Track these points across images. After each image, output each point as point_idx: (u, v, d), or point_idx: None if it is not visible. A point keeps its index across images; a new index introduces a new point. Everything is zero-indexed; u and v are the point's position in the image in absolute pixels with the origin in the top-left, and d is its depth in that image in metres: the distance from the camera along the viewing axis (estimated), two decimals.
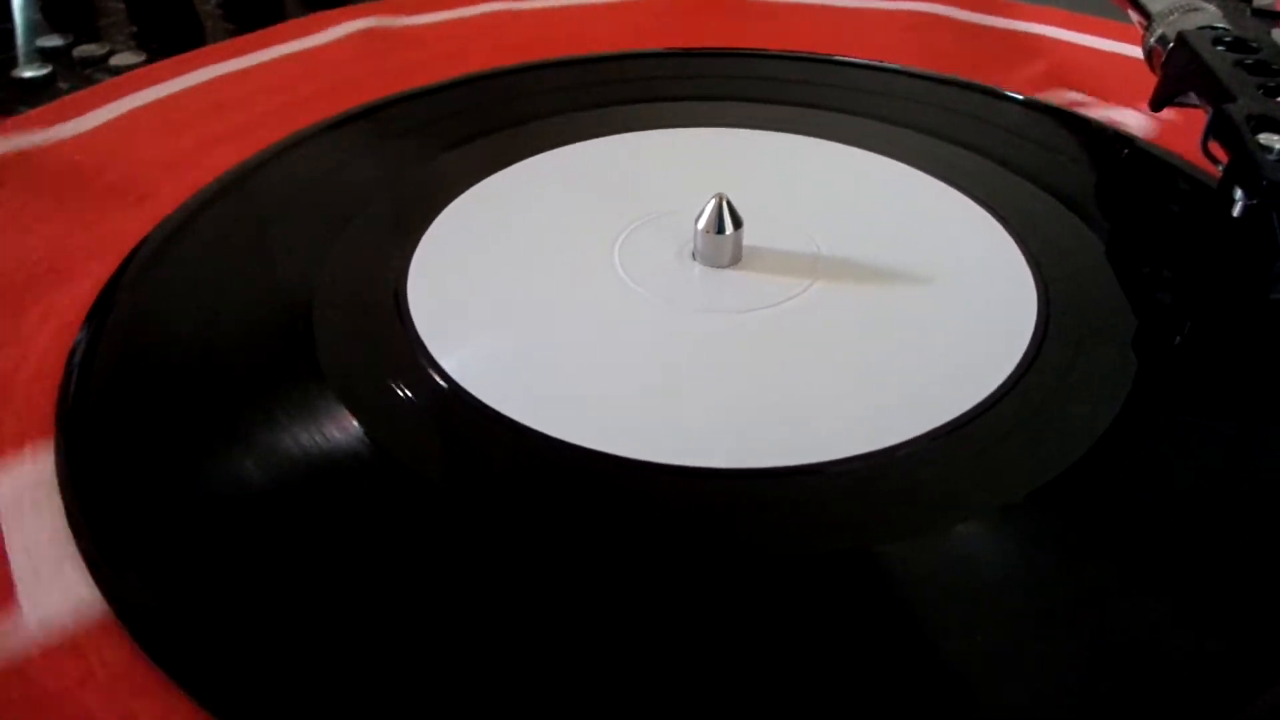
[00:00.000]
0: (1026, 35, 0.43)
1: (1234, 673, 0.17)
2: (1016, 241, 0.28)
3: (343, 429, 0.22)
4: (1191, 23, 0.31)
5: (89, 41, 0.44)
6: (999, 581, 0.19)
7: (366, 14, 0.44)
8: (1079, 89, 0.38)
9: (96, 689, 0.17)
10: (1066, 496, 0.21)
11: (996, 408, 0.23)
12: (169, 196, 0.31)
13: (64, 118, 0.36)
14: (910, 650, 0.18)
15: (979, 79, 0.38)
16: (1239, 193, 0.25)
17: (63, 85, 0.41)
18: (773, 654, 0.18)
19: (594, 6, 0.46)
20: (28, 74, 0.40)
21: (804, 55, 0.40)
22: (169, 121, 0.36)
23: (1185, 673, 0.17)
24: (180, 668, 0.17)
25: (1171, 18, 0.32)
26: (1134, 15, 0.35)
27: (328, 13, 0.45)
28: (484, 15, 0.45)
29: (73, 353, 0.24)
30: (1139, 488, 0.21)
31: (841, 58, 0.40)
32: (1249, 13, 0.48)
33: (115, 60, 0.42)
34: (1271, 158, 0.24)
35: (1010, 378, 0.23)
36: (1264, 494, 0.21)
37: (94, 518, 0.20)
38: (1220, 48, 0.29)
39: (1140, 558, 0.20)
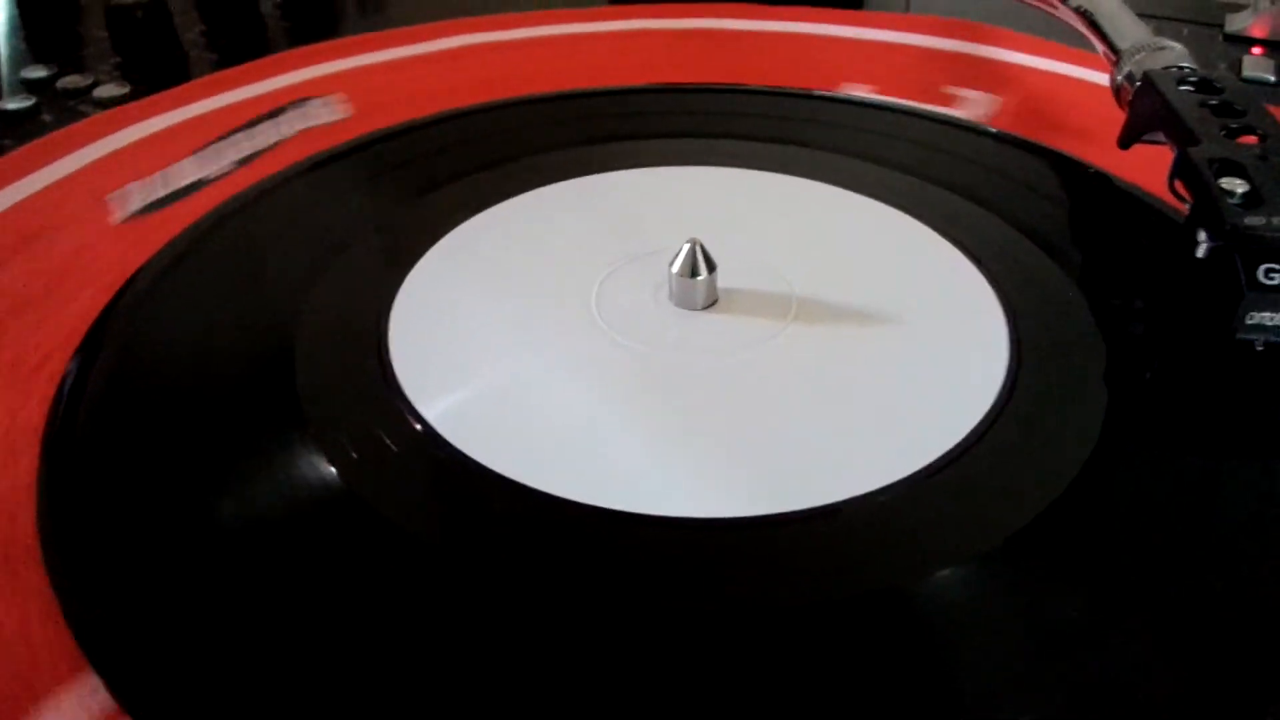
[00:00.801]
0: (1001, 62, 0.44)
1: (1220, 709, 0.18)
2: (987, 278, 0.29)
3: (321, 477, 0.22)
4: (1158, 62, 0.32)
5: (73, 72, 0.44)
6: (979, 627, 0.20)
7: (353, 51, 0.45)
8: (1053, 121, 0.39)
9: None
10: (1044, 539, 0.21)
11: (971, 451, 0.23)
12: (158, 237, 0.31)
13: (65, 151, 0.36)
14: (892, 698, 0.18)
15: (950, 109, 0.39)
16: (1202, 234, 0.26)
17: (46, 117, 0.41)
18: (746, 704, 0.18)
19: (573, 37, 0.47)
20: (11, 106, 0.41)
21: (782, 90, 0.41)
22: (159, 156, 0.36)
23: (1171, 710, 0.18)
24: (134, 697, 0.18)
25: (1138, 56, 0.32)
26: (1102, 49, 0.35)
27: (314, 47, 0.45)
28: (462, 48, 0.46)
29: (62, 384, 0.25)
30: (1116, 525, 0.22)
31: (818, 92, 0.40)
32: (1221, 38, 0.49)
33: (99, 92, 0.42)
34: (1233, 201, 0.25)
35: (986, 418, 0.24)
36: (1233, 529, 0.22)
37: (65, 543, 0.20)
38: (1185, 88, 0.30)
39: (1119, 595, 0.20)
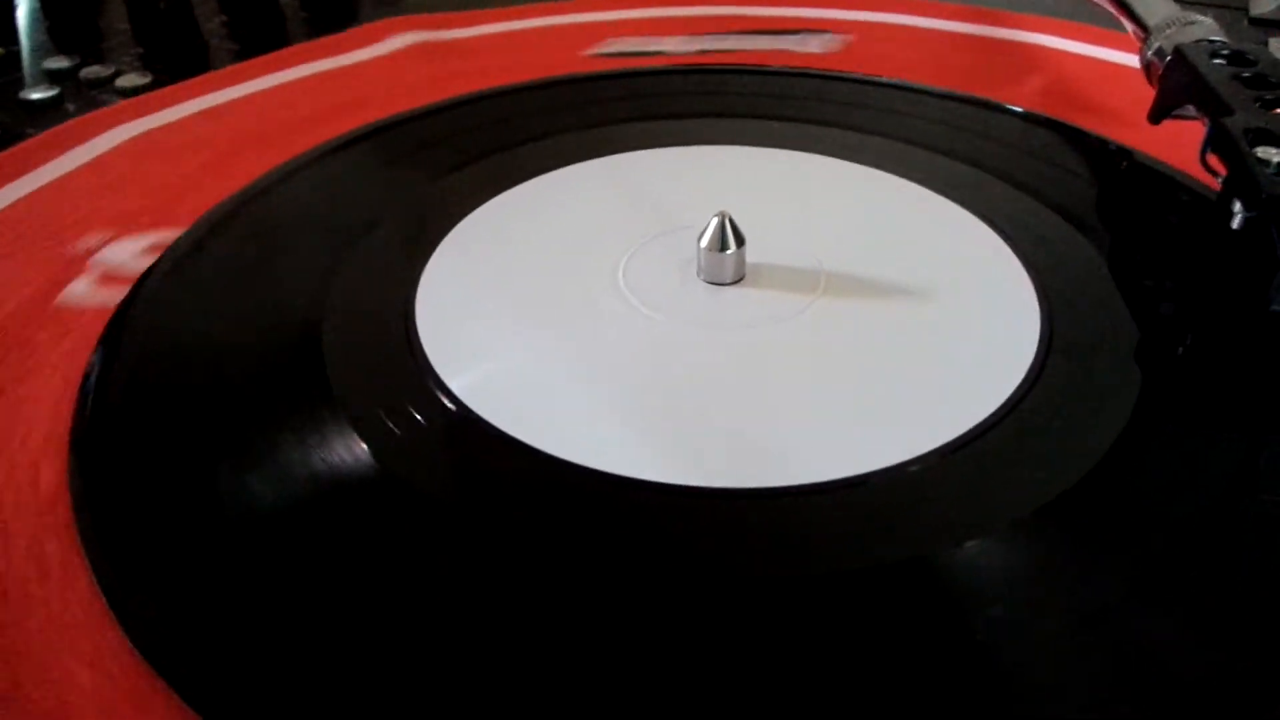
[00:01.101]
0: (1028, 46, 0.44)
1: (1248, 688, 0.18)
2: (1018, 256, 0.29)
3: (352, 452, 0.22)
4: (1188, 36, 0.31)
5: (95, 63, 0.44)
6: (1008, 598, 0.19)
7: (396, 30, 0.45)
8: (1079, 101, 0.39)
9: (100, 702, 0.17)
10: (1074, 512, 0.21)
11: (1003, 424, 0.23)
12: (181, 219, 0.31)
13: (78, 141, 0.36)
14: (919, 667, 0.18)
15: (981, 92, 0.39)
16: (1238, 205, 0.25)
17: (69, 107, 0.41)
18: (778, 673, 0.18)
19: (601, 24, 0.46)
20: (35, 96, 0.41)
21: (807, 71, 0.41)
22: (176, 147, 0.36)
23: (1199, 688, 0.18)
24: (188, 685, 0.18)
25: (1168, 31, 0.32)
26: (1130, 27, 0.35)
27: (341, 35, 0.45)
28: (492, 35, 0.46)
29: (86, 376, 0.25)
30: (1146, 502, 0.21)
31: (844, 73, 0.40)
32: (1246, 21, 0.49)
33: (121, 82, 0.42)
34: (1270, 171, 0.25)
35: (1015, 392, 0.24)
36: (1268, 507, 0.21)
37: (106, 537, 0.20)
38: (1218, 61, 0.29)
39: (1149, 572, 0.20)
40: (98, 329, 0.26)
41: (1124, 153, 0.35)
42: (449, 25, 0.46)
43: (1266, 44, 0.45)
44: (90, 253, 0.30)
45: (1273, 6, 0.49)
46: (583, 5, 0.48)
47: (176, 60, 0.45)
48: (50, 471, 0.22)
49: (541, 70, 0.41)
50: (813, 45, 0.41)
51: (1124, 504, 0.21)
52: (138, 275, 0.28)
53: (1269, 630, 0.19)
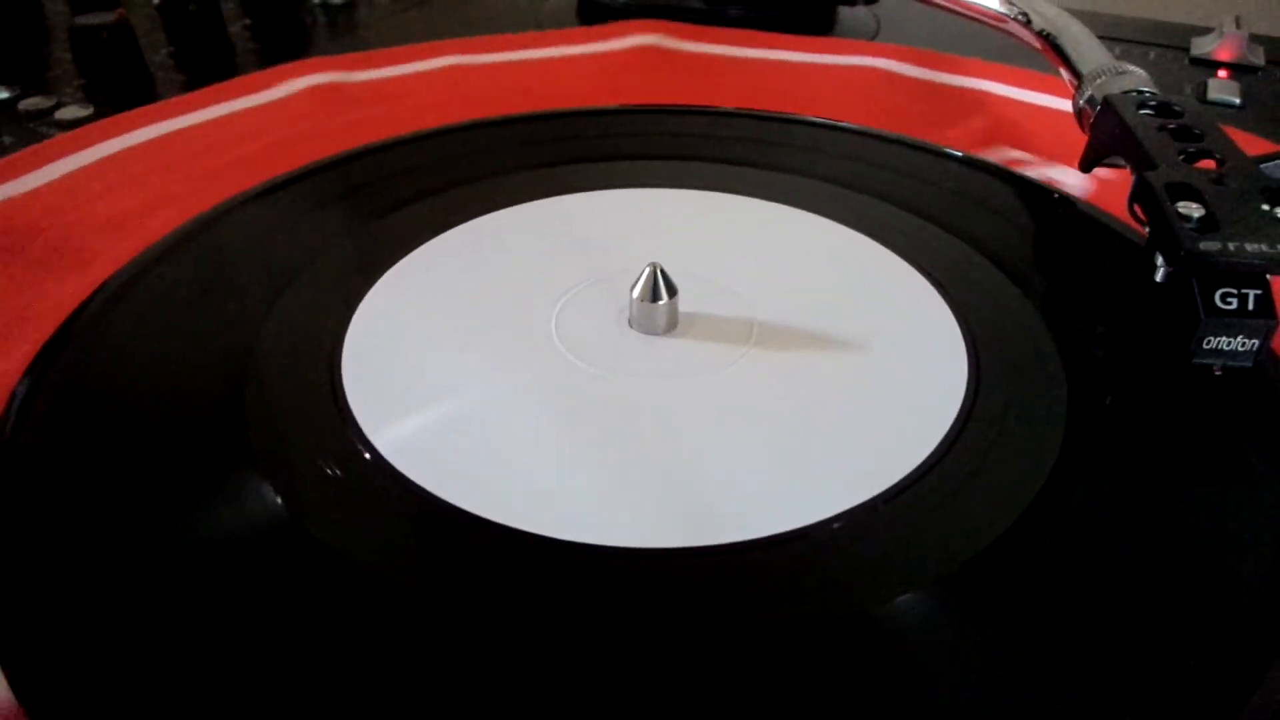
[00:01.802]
0: (968, 91, 0.44)
1: None
2: (948, 302, 0.29)
3: (268, 509, 0.22)
4: (1119, 85, 0.32)
5: (36, 93, 0.44)
6: (937, 653, 0.19)
7: (321, 69, 0.44)
8: (1019, 146, 0.39)
9: None
10: (1002, 563, 0.21)
11: (929, 475, 0.23)
12: (112, 259, 0.31)
13: (4, 179, 0.36)
14: None
15: (920, 134, 0.39)
16: (1160, 259, 0.26)
17: (6, 140, 0.40)
18: None
19: (545, 61, 0.46)
20: None
21: (746, 112, 0.41)
22: (111, 182, 0.36)
23: None
24: None
25: (1100, 80, 0.32)
26: (1065, 75, 0.35)
27: (282, 67, 0.45)
28: (439, 70, 0.46)
29: (9, 406, 0.24)
30: (1074, 550, 0.22)
31: (782, 114, 0.41)
32: (1187, 61, 0.50)
33: (61, 114, 0.42)
34: (1189, 226, 0.25)
35: (943, 443, 0.24)
36: (1194, 554, 0.22)
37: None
38: (1145, 111, 0.30)
39: (1077, 621, 0.20)
40: (15, 374, 0.26)
41: (1062, 199, 0.35)
42: (355, 67, 0.45)
43: (1207, 85, 0.46)
44: None
45: (1213, 47, 0.50)
46: (532, 40, 0.48)
47: (120, 92, 0.44)
48: None
49: (491, 107, 0.41)
50: None
51: (1053, 553, 0.21)
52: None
53: (1198, 677, 0.19)
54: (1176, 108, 0.30)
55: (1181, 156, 0.28)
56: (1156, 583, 0.21)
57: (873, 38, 0.52)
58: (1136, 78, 0.32)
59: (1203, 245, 0.24)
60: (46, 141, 0.38)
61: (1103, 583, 0.21)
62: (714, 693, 0.18)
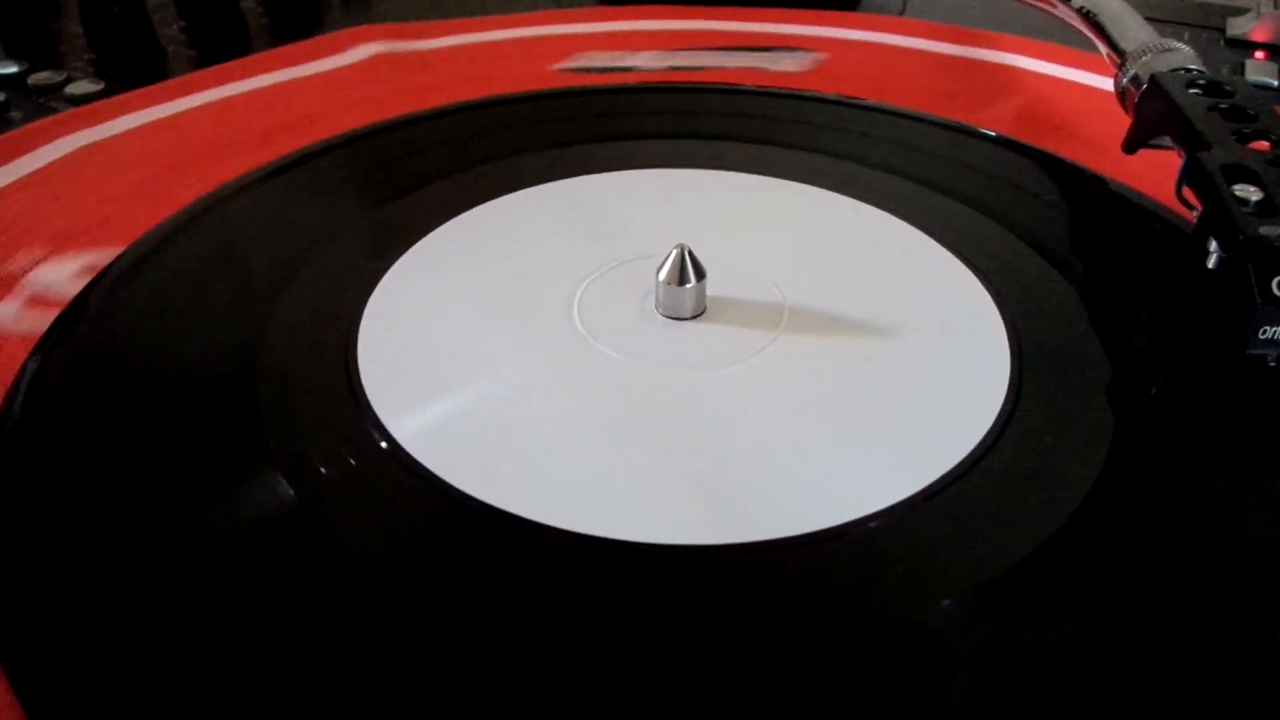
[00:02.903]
0: (1000, 66, 0.43)
1: None
2: (987, 288, 0.28)
3: (280, 499, 0.21)
4: (1165, 64, 0.31)
5: (46, 68, 0.43)
6: (976, 662, 0.18)
7: (361, 40, 0.44)
8: (1055, 126, 0.38)
9: None
10: (1047, 568, 0.20)
11: (971, 473, 0.22)
12: (121, 237, 0.30)
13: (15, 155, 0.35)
14: None
15: (956, 115, 0.38)
16: (1214, 244, 0.25)
17: (15, 114, 0.39)
18: None
19: (563, 37, 0.45)
20: None
21: (776, 91, 0.40)
22: (120, 160, 0.35)
23: None
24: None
25: (1145, 58, 0.31)
26: (1105, 52, 0.34)
27: (303, 45, 0.44)
28: (450, 48, 0.44)
29: (9, 400, 0.23)
30: (1122, 551, 0.21)
31: (814, 94, 0.39)
32: (1223, 42, 0.48)
33: (71, 89, 0.41)
34: (1247, 210, 0.24)
35: (985, 438, 0.23)
36: (1243, 550, 0.21)
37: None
38: (1194, 90, 0.29)
39: (1129, 624, 0.19)
40: (21, 355, 0.25)
41: (1100, 182, 0.34)
42: (414, 36, 0.45)
43: (1244, 66, 0.44)
44: (24, 272, 0.29)
45: (1249, 28, 0.48)
46: (552, 18, 0.47)
47: (131, 67, 0.43)
48: None
49: (508, 85, 0.40)
50: (786, 63, 0.40)
51: (1101, 556, 0.20)
52: (69, 299, 0.27)
53: (1254, 683, 0.18)
54: (1227, 87, 0.29)
55: (1234, 137, 0.26)
56: (1209, 587, 0.20)
57: (900, 13, 0.50)
58: (1184, 55, 0.31)
59: (1262, 230, 0.23)
60: (82, 108, 0.37)
61: (1155, 588, 0.20)
62: (739, 698, 0.18)
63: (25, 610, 0.19)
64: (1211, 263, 0.25)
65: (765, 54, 0.42)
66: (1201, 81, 0.29)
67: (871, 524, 0.21)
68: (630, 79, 0.41)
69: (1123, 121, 0.32)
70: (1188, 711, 0.17)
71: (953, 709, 0.18)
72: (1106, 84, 0.36)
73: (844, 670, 0.18)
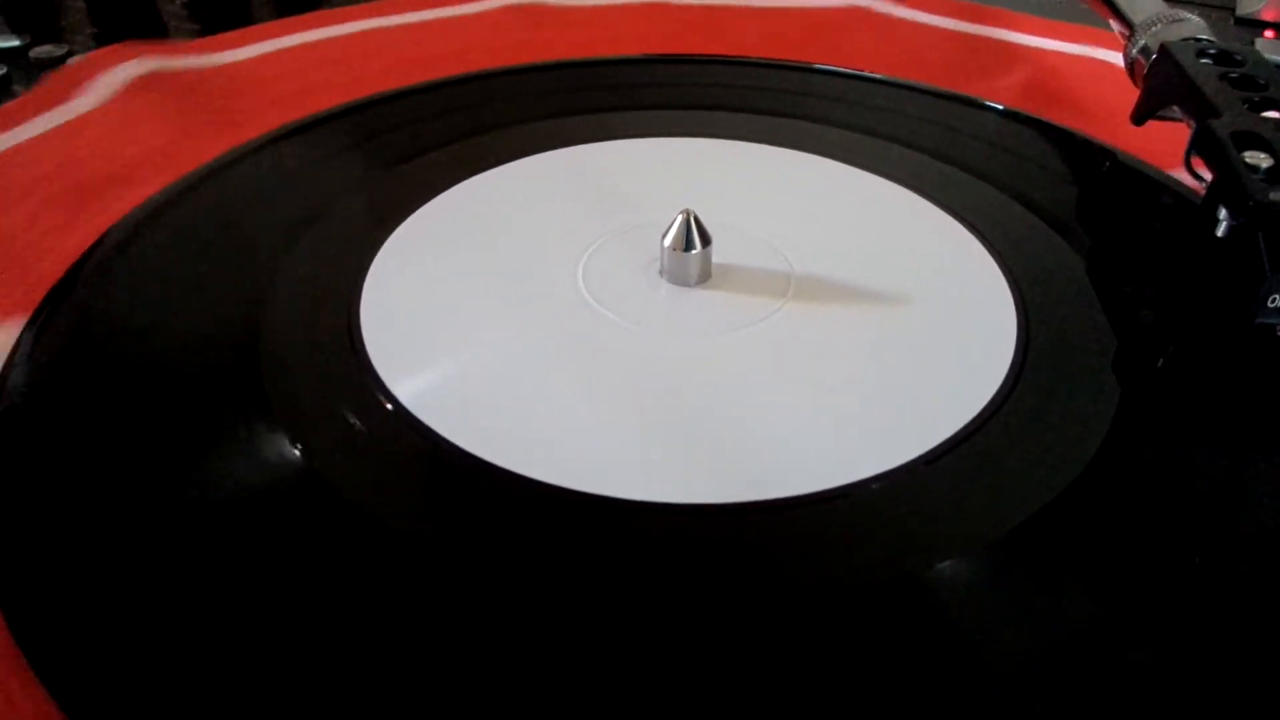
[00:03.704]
0: (1008, 43, 0.43)
1: (1226, 702, 0.17)
2: (995, 259, 0.28)
3: (287, 460, 0.21)
4: (1175, 34, 0.30)
5: (48, 42, 0.43)
6: (979, 621, 0.18)
7: (343, 19, 0.43)
8: (1059, 99, 0.38)
9: None
10: (1051, 529, 0.20)
11: (975, 437, 0.22)
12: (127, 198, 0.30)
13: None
14: (888, 691, 0.17)
15: (959, 88, 0.38)
16: (1223, 212, 0.24)
17: (17, 88, 0.39)
18: (738, 697, 0.17)
19: (578, 9, 0.45)
20: None
21: (782, 63, 0.39)
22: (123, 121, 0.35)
23: (1177, 705, 0.17)
24: (77, 690, 0.16)
25: (1155, 28, 0.31)
26: (1116, 25, 0.34)
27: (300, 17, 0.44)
28: (457, 18, 0.44)
29: (14, 352, 0.23)
30: (1124, 517, 0.20)
31: (820, 65, 0.39)
32: (1232, 21, 0.48)
33: (73, 62, 0.41)
34: (1257, 176, 0.24)
35: (990, 405, 0.23)
36: (1249, 520, 0.21)
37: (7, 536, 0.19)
38: (1205, 60, 0.28)
39: (1129, 589, 0.19)
40: (25, 314, 0.25)
41: (1106, 153, 0.34)
42: None
43: (1253, 44, 0.44)
44: None
45: (1259, 6, 0.48)
46: None
47: (133, 39, 0.43)
48: None
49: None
50: None
51: (1103, 520, 0.20)
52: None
53: (1251, 648, 0.18)
54: (1238, 56, 0.28)
55: (1245, 105, 0.26)
56: (1209, 555, 0.20)
57: None
58: (1193, 25, 0.31)
59: (1272, 196, 0.23)
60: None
61: (1156, 551, 0.20)
62: (746, 653, 0.18)
63: (36, 570, 0.19)
64: (1221, 231, 0.25)
65: None
66: (1212, 51, 0.29)
67: (874, 485, 0.20)
68: (640, 50, 0.41)
69: (1128, 96, 0.32)
70: (1183, 671, 0.18)
71: (947, 666, 0.18)
72: (1113, 58, 0.36)
73: (843, 628, 0.18)
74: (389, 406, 0.22)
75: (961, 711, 0.17)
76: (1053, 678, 0.17)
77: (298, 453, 0.21)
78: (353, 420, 0.22)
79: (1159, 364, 0.25)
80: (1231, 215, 0.24)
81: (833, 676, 0.17)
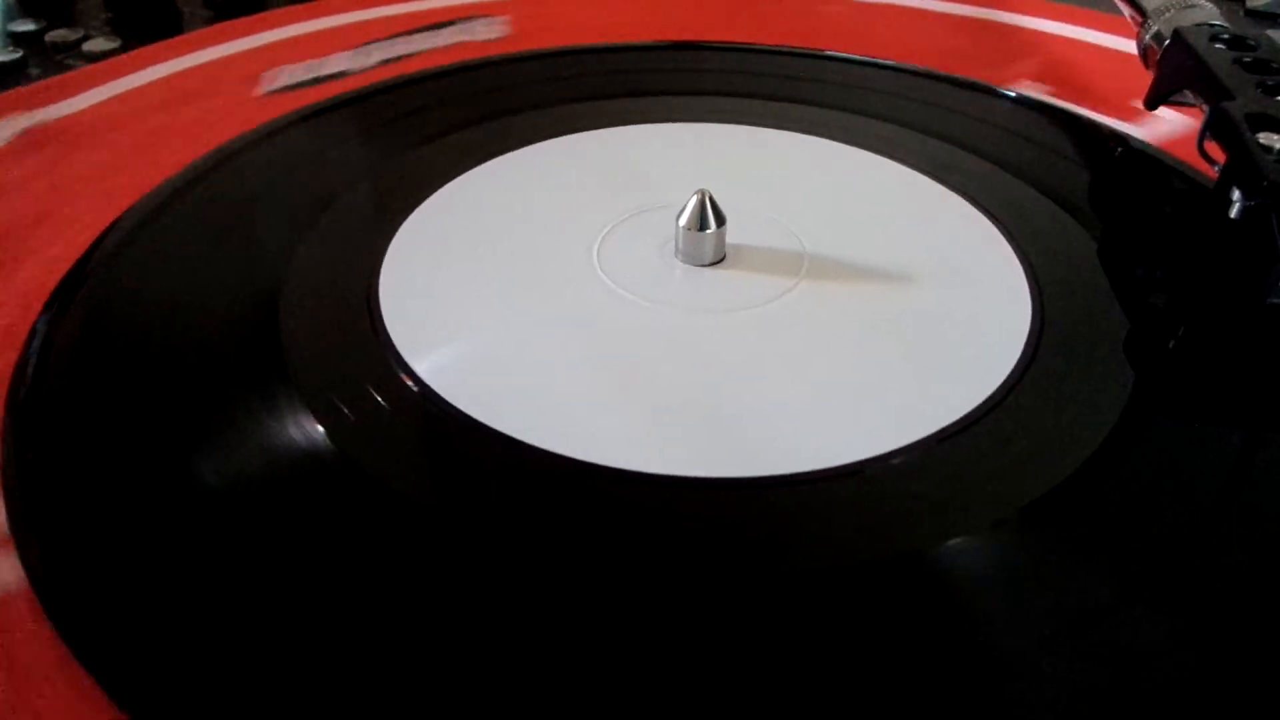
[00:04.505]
0: (1021, 30, 0.43)
1: (1238, 688, 0.17)
2: (1009, 241, 0.28)
3: (306, 435, 0.21)
4: (1188, 19, 0.30)
5: (62, 26, 0.43)
6: (997, 594, 0.19)
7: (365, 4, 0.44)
8: (1072, 85, 0.38)
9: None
10: (1062, 509, 0.20)
11: (989, 416, 0.22)
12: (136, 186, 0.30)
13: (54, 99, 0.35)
14: (904, 663, 0.17)
15: (973, 75, 0.38)
16: (1237, 193, 0.25)
17: (33, 71, 0.40)
18: (751, 671, 0.17)
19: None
20: None
21: (795, 50, 0.39)
22: (140, 108, 0.35)
23: (1189, 688, 0.17)
24: (115, 672, 0.17)
25: (1167, 14, 0.31)
26: (1128, 11, 0.34)
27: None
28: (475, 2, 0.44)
29: (30, 339, 0.24)
30: (1137, 498, 0.21)
31: (833, 53, 0.39)
32: (1242, 13, 0.48)
33: (88, 46, 0.41)
34: (1271, 157, 0.24)
35: (1003, 385, 0.23)
36: (1262, 501, 0.21)
37: (40, 516, 0.19)
38: (1218, 45, 0.28)
39: (1140, 569, 0.19)
40: (42, 297, 0.25)
41: (1118, 138, 0.34)
42: None
43: (1266, 34, 0.44)
44: None
45: None
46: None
47: (148, 26, 0.43)
48: None
49: None
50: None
51: (1115, 500, 0.20)
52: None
53: (1261, 629, 0.18)
54: (1250, 41, 0.29)
55: (1259, 89, 0.26)
56: (1221, 535, 0.20)
57: None
58: (1206, 11, 0.31)
59: None
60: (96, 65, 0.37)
61: (1167, 530, 0.20)
62: (761, 625, 0.18)
63: (67, 542, 0.19)
64: (1234, 212, 0.25)
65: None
66: (1224, 36, 0.29)
67: (894, 460, 0.21)
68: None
69: (1140, 82, 0.32)
70: (1186, 652, 0.18)
71: (958, 640, 0.18)
72: (1124, 44, 0.36)
73: (854, 602, 0.18)
74: (409, 382, 0.22)
75: (971, 688, 0.17)
76: (1061, 654, 0.17)
77: (320, 428, 0.21)
78: (374, 395, 0.22)
79: (1171, 345, 0.25)
80: (1245, 196, 0.24)
81: (846, 649, 0.17)
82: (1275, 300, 0.24)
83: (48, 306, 0.25)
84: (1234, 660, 0.17)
